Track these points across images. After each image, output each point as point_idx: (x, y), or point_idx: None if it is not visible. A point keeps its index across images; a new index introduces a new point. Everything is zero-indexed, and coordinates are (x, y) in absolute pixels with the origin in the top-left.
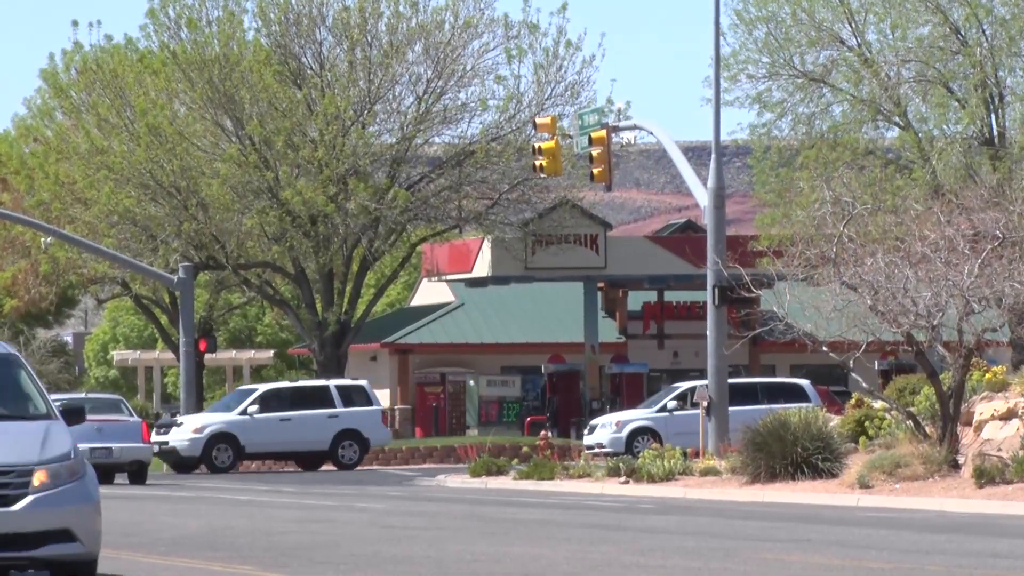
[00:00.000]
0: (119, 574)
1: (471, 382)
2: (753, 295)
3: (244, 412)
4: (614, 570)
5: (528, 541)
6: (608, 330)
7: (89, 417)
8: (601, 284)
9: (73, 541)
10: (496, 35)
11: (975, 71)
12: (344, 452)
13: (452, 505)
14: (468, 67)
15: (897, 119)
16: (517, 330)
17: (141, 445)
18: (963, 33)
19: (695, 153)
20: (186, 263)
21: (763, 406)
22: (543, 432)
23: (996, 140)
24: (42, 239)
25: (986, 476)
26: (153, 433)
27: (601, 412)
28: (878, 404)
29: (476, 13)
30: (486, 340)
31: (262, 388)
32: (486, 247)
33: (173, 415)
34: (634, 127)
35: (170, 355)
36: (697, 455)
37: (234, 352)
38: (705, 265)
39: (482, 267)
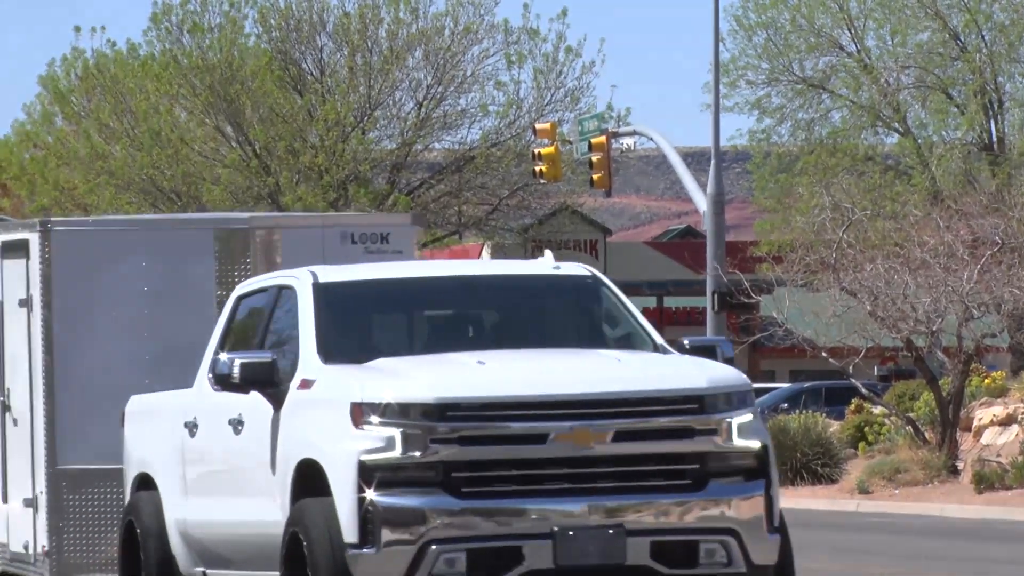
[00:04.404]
0: None
1: None
2: (753, 301)
3: None
4: None
5: None
6: None
7: None
8: None
9: None
10: (496, 41)
11: (974, 77)
12: None
13: None
14: (468, 73)
15: (896, 125)
16: None
17: None
18: (962, 39)
19: (695, 159)
20: None
21: None
22: None
23: (995, 146)
24: None
25: (985, 482)
26: None
27: None
28: (877, 410)
29: (476, 19)
30: None
31: None
32: (486, 253)
33: None
34: (634, 133)
35: None
36: None
37: None
38: (704, 271)
39: None
